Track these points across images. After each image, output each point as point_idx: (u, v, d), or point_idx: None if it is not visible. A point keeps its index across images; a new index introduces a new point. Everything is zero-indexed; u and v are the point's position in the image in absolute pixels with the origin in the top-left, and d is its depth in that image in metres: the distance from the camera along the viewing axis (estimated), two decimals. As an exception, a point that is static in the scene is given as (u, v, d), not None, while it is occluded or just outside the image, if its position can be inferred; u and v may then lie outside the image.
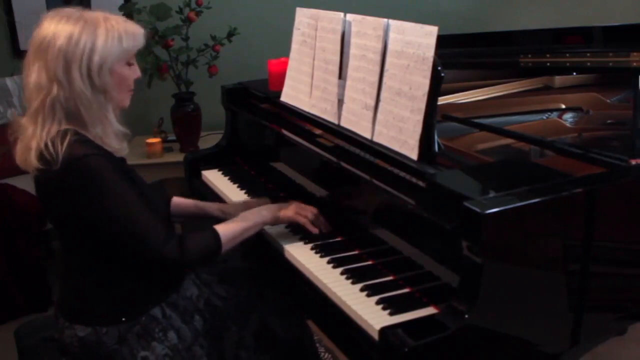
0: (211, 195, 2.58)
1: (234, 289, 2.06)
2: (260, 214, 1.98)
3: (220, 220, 2.06)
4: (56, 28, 1.69)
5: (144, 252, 1.72)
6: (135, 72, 1.83)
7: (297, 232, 2.07)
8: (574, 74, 2.69)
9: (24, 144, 1.74)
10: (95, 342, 1.78)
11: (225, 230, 1.86)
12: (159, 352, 1.81)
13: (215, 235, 1.83)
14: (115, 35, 1.72)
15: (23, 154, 1.75)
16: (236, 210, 2.14)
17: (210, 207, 2.26)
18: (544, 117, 2.32)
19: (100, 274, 1.80)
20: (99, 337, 1.78)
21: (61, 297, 1.90)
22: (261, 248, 2.14)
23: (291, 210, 2.03)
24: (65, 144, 1.67)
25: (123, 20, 1.78)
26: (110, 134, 1.79)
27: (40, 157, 1.68)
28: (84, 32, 1.69)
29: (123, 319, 1.80)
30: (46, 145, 1.67)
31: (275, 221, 2.01)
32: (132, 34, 1.76)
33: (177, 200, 2.22)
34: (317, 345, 2.63)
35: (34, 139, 1.70)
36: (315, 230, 2.02)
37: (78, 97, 1.70)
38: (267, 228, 2.10)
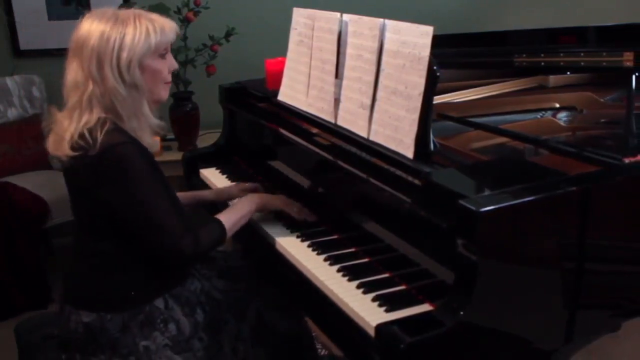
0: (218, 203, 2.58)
1: (232, 283, 2.10)
2: (252, 201, 2.10)
3: (216, 203, 2.36)
4: (90, 28, 1.77)
5: (163, 242, 1.79)
6: (169, 63, 1.89)
7: (294, 229, 2.09)
8: (568, 73, 2.70)
9: (58, 136, 1.81)
10: (99, 328, 1.82)
11: (227, 219, 1.97)
12: (159, 342, 1.84)
13: (221, 225, 1.94)
14: (143, 30, 1.78)
15: (55, 144, 1.82)
16: (230, 191, 2.38)
17: (207, 194, 2.42)
18: (539, 116, 2.33)
19: (111, 261, 1.85)
20: (103, 324, 1.82)
21: (68, 284, 1.93)
22: (259, 245, 2.16)
23: (279, 200, 2.17)
24: (104, 130, 1.74)
25: (154, 17, 1.83)
26: (146, 128, 1.86)
27: (74, 145, 1.75)
28: (114, 29, 1.76)
29: (128, 307, 1.84)
30: (81, 134, 1.74)
31: (264, 207, 2.14)
32: (161, 28, 1.82)
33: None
34: (314, 341, 2.64)
35: (69, 131, 1.76)
36: (300, 218, 2.13)
37: (112, 92, 1.77)
38: (265, 225, 2.14)
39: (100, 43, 1.75)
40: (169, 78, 1.90)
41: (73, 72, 1.79)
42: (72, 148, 1.75)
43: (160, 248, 1.81)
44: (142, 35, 1.78)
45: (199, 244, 1.83)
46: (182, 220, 1.83)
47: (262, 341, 2.05)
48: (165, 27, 1.83)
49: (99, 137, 1.72)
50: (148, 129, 1.87)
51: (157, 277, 1.90)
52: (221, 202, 2.39)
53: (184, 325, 1.90)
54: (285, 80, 2.47)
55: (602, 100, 2.40)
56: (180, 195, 2.26)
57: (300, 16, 2.37)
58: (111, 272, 1.85)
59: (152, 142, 1.89)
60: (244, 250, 2.29)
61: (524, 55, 2.75)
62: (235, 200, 2.25)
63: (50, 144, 1.84)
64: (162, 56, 1.85)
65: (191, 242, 1.82)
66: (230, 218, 1.98)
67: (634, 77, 2.09)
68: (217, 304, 2.02)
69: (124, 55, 1.75)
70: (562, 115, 2.32)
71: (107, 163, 1.73)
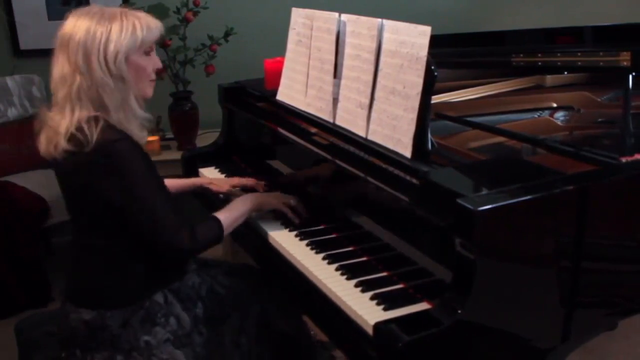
0: (209, 192, 2.59)
1: (237, 281, 2.13)
2: (249, 200, 2.11)
3: (216, 194, 2.44)
4: (76, 24, 1.79)
5: (160, 237, 1.81)
6: (153, 62, 1.90)
7: (293, 228, 2.10)
8: (565, 73, 2.71)
9: (52, 131, 1.81)
10: (99, 325, 1.84)
11: (225, 218, 1.98)
12: (160, 337, 1.86)
13: (219, 223, 1.95)
14: (130, 26, 1.79)
15: (49, 142, 1.81)
16: (227, 183, 2.44)
17: (206, 183, 2.47)
18: (536, 116, 2.34)
19: (109, 258, 1.86)
20: (103, 321, 1.84)
21: (69, 282, 1.95)
22: (258, 244, 2.16)
23: (273, 199, 2.17)
24: (98, 128, 1.74)
25: (140, 14, 1.85)
26: (132, 120, 1.86)
27: (71, 139, 1.76)
28: (100, 25, 1.77)
29: (127, 304, 1.86)
30: (77, 128, 1.75)
31: (260, 207, 2.14)
32: (147, 26, 1.84)
33: (169, 182, 2.29)
34: (313, 343, 2.65)
35: (63, 124, 1.77)
36: (296, 220, 2.13)
37: (99, 84, 1.78)
38: (263, 224, 2.16)
39: (87, 37, 1.77)
40: (154, 76, 1.92)
41: (60, 65, 1.81)
42: (69, 141, 1.76)
43: (158, 243, 1.83)
44: (129, 30, 1.79)
45: (195, 240, 1.85)
46: (178, 216, 1.84)
47: (266, 339, 2.07)
48: (151, 25, 1.85)
49: (94, 133, 1.73)
50: (135, 121, 1.87)
51: (155, 272, 1.91)
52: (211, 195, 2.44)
53: (184, 320, 1.92)
54: (284, 80, 2.47)
55: (599, 99, 2.41)
56: (173, 182, 2.36)
57: (298, 16, 2.38)
58: (109, 269, 1.87)
59: (140, 134, 1.89)
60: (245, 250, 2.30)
61: (521, 55, 2.75)
62: (233, 199, 2.24)
63: (43, 143, 1.84)
64: (147, 53, 1.87)
65: (188, 237, 1.83)
66: (228, 217, 2.00)
67: (630, 76, 2.10)
68: (219, 299, 2.04)
69: (111, 47, 1.77)
70: (559, 115, 2.33)
71: (104, 160, 1.74)
